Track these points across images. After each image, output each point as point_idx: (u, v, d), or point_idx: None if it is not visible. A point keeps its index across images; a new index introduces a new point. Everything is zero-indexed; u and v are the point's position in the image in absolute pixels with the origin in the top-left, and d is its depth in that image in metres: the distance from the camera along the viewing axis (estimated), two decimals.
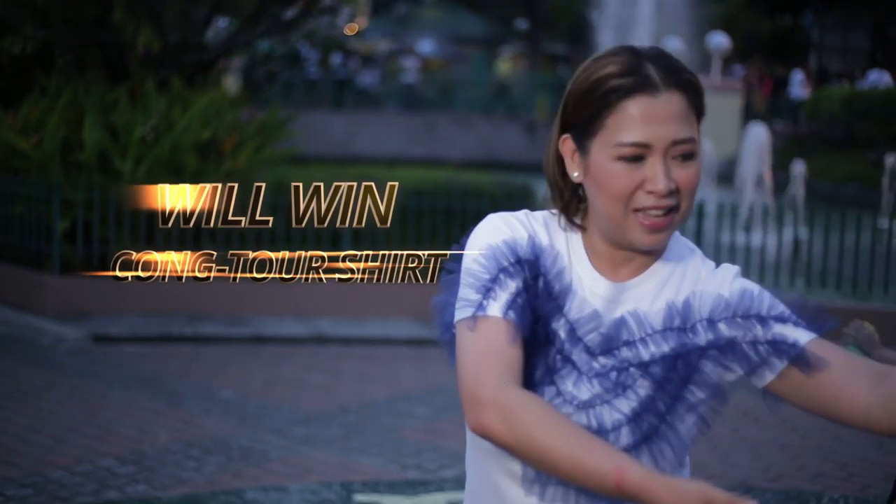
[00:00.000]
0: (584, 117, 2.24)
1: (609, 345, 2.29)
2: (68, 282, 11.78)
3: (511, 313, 2.24)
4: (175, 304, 11.55)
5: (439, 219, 12.15)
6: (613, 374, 2.27)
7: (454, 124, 36.18)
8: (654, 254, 2.31)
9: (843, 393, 2.26)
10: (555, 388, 2.27)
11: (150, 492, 6.66)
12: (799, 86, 36.23)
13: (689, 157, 2.20)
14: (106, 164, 12.33)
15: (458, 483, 6.85)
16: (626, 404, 2.25)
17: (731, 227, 12.16)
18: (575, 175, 2.31)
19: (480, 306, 2.24)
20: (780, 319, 2.29)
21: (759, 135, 18.34)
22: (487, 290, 2.25)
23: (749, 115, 29.14)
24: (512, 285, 2.26)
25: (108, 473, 6.93)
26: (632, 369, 2.27)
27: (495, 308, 2.24)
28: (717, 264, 2.40)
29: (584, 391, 2.26)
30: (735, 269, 2.37)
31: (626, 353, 2.29)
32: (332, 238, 12.21)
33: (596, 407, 2.25)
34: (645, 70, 2.20)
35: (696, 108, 2.24)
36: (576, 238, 2.34)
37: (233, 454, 7.44)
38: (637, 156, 2.18)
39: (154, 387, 9.05)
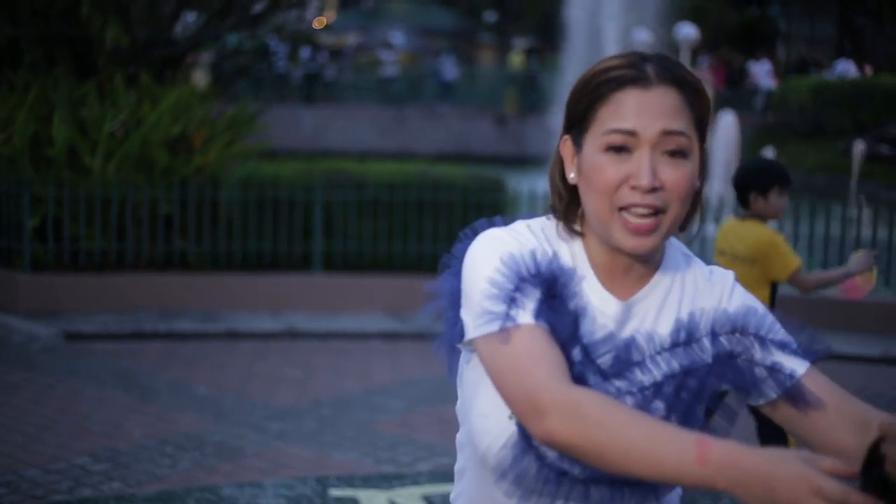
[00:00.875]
0: (581, 112, 2.20)
1: (620, 366, 2.23)
2: (39, 279, 11.73)
3: (542, 321, 2.15)
4: (148, 300, 11.52)
5: (411, 212, 12.15)
6: (629, 399, 2.22)
7: (424, 117, 36.17)
8: (651, 263, 2.26)
9: (833, 439, 2.24)
10: None
11: (125, 489, 6.65)
12: (766, 76, 36.36)
13: (680, 155, 2.14)
14: (75, 160, 12.29)
15: (433, 476, 6.86)
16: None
17: (699, 218, 12.17)
18: (571, 176, 2.25)
19: (508, 317, 2.14)
20: (780, 345, 2.27)
21: (729, 124, 18.39)
22: (512, 300, 2.16)
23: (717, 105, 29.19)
24: (536, 293, 2.18)
25: (82, 471, 6.90)
26: (646, 392, 2.23)
27: (525, 316, 2.15)
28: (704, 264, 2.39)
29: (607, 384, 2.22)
30: (731, 276, 2.34)
31: (638, 375, 2.23)
32: (304, 231, 12.20)
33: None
34: (642, 66, 2.16)
35: (695, 109, 2.18)
36: (580, 252, 2.26)
37: (207, 450, 7.42)
38: (624, 146, 2.13)
39: (128, 384, 9.02)
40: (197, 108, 12.95)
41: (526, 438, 2.17)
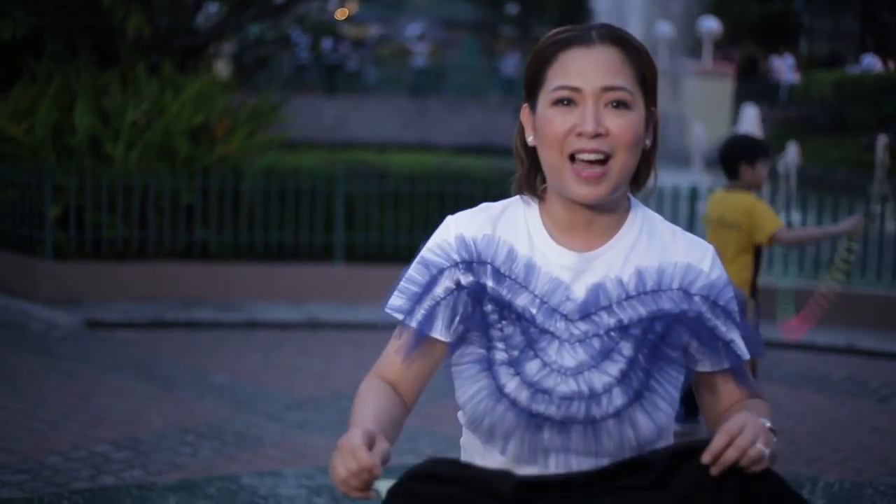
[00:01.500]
0: (533, 76, 2.38)
1: (587, 310, 2.36)
2: (61, 267, 11.76)
3: (427, 326, 2.46)
4: (168, 289, 11.53)
5: (433, 203, 12.13)
6: (596, 341, 2.33)
7: (446, 109, 36.14)
8: (614, 218, 2.40)
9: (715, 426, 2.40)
10: (539, 360, 2.34)
11: (146, 477, 6.65)
12: (789, 70, 36.25)
13: (623, 106, 2.30)
14: (97, 149, 12.30)
15: None
16: (613, 367, 2.32)
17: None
18: (530, 139, 2.42)
19: (408, 316, 2.49)
20: (739, 327, 2.40)
21: (751, 118, 18.32)
22: (418, 301, 2.48)
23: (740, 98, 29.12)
24: (440, 291, 2.45)
25: (103, 459, 6.91)
26: (612, 334, 2.34)
27: (413, 321, 2.47)
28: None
29: (568, 358, 2.34)
30: (710, 248, 2.44)
31: (605, 318, 2.36)
32: (326, 222, 12.20)
33: (584, 373, 2.32)
34: (587, 29, 2.36)
35: (638, 68, 2.35)
36: (533, 215, 2.43)
37: (227, 439, 7.43)
38: (568, 99, 2.30)
39: (148, 372, 9.03)
40: (219, 97, 12.95)
41: (498, 388, 2.35)
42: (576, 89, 2.29)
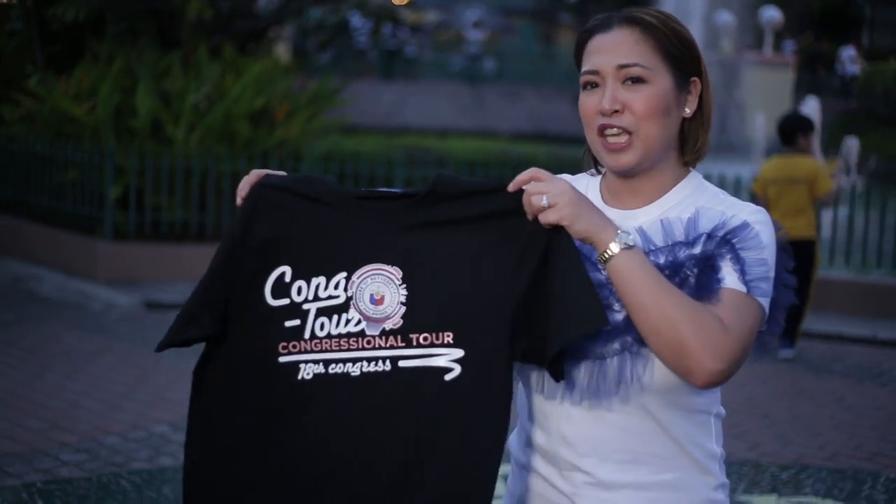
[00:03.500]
0: (576, 65, 2.56)
1: None
2: (120, 248, 11.81)
3: None
4: None
5: None
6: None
7: (503, 96, 36.03)
8: (660, 186, 2.53)
9: None
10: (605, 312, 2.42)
11: None
12: (849, 62, 35.93)
13: (639, 81, 2.44)
14: (158, 130, 12.35)
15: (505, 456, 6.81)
16: (623, 310, 2.38)
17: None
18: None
19: None
20: (738, 260, 2.39)
21: (813, 109, 18.15)
22: None
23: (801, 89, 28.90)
24: None
25: (161, 440, 6.93)
26: None
27: None
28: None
29: None
30: (758, 210, 2.47)
31: None
32: None
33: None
34: (608, 16, 2.53)
35: (660, 43, 2.47)
36: (594, 184, 2.62)
37: None
38: (592, 83, 2.48)
39: None
40: (279, 81, 12.98)
41: None
42: (596, 72, 2.47)
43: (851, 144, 17.43)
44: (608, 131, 2.45)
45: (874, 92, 31.09)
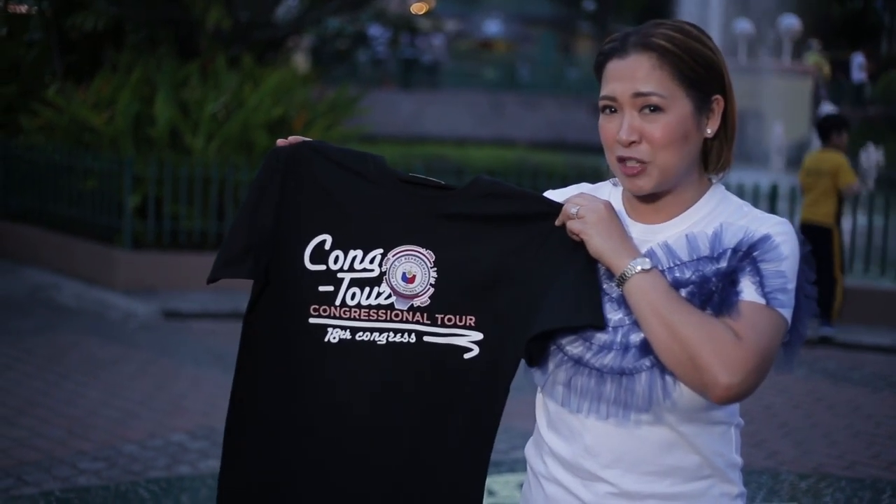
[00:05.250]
0: (599, 85, 2.54)
1: None
2: (139, 257, 11.84)
3: None
4: (245, 281, 11.52)
5: None
6: None
7: (521, 105, 36.02)
8: (682, 202, 2.52)
9: None
10: (602, 315, 2.47)
11: None
12: (857, 69, 35.81)
13: (656, 109, 2.43)
14: (177, 140, 12.38)
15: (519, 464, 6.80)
16: None
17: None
18: None
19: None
20: (757, 274, 2.38)
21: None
22: None
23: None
24: None
25: (179, 448, 6.94)
26: None
27: None
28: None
29: (612, 312, 2.46)
30: (781, 221, 2.47)
31: None
32: None
33: (623, 327, 2.43)
34: (625, 39, 2.49)
35: (677, 68, 2.44)
36: (616, 194, 2.60)
37: None
38: (610, 108, 2.47)
39: (224, 363, 9.06)
40: (298, 90, 13.00)
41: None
42: (613, 99, 2.46)
43: (870, 154, 17.37)
44: (628, 162, 2.45)
45: (893, 99, 30.99)
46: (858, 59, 36.16)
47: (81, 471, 6.49)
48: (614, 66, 2.47)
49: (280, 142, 2.67)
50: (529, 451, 2.66)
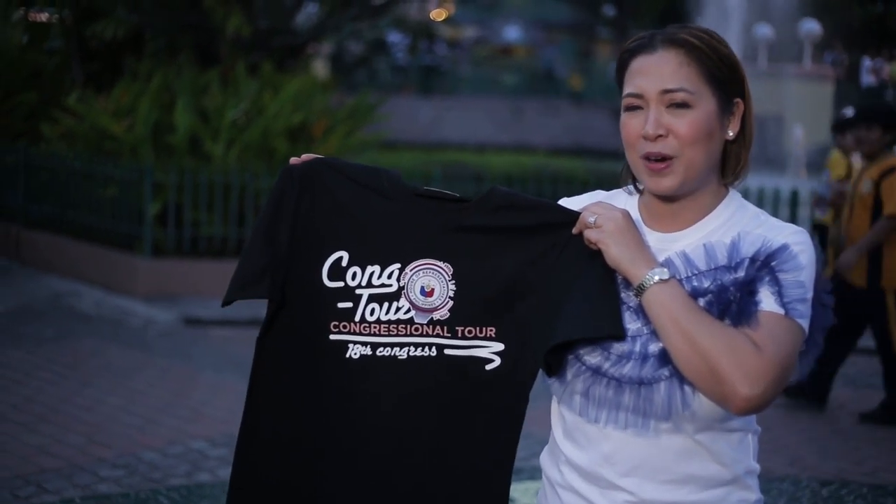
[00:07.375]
0: (617, 82, 2.54)
1: None
2: (159, 264, 11.86)
3: None
4: None
5: None
6: None
7: (540, 111, 36.00)
8: (700, 209, 2.50)
9: None
10: (622, 325, 2.45)
11: None
12: (866, 73, 35.69)
13: (684, 106, 2.41)
14: (197, 147, 12.41)
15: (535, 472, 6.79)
16: None
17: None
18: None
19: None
20: (776, 283, 2.37)
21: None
22: None
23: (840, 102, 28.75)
24: None
25: (199, 455, 6.94)
26: None
27: None
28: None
29: (630, 322, 2.43)
30: (798, 231, 2.46)
31: None
32: None
33: (641, 337, 2.41)
34: (651, 36, 2.48)
35: (704, 65, 2.44)
36: (633, 203, 2.58)
37: None
38: (635, 105, 2.45)
39: (244, 370, 8.99)
40: (318, 97, 13.01)
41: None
42: (639, 96, 2.44)
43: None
44: (651, 157, 2.43)
45: None
46: (867, 63, 36.05)
47: (102, 478, 6.49)
48: (641, 63, 2.45)
49: (293, 160, 2.67)
50: (545, 459, 2.66)
